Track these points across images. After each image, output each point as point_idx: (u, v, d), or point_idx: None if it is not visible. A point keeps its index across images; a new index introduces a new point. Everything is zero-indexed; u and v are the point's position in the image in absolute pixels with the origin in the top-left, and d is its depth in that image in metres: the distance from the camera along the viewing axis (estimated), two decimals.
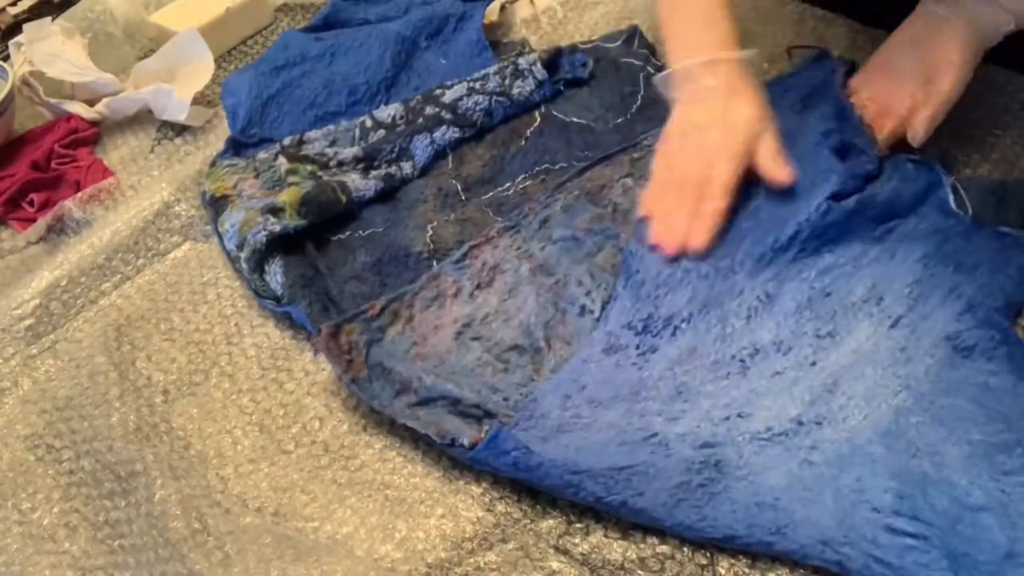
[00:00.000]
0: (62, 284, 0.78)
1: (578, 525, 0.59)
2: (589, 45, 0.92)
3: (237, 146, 0.87)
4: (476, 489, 0.62)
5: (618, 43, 0.92)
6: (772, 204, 0.70)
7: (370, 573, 0.57)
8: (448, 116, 0.84)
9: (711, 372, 0.63)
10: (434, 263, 0.74)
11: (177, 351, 0.73)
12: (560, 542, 0.59)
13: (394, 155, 0.83)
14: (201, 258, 0.80)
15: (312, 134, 0.85)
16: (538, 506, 0.61)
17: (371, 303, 0.69)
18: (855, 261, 0.67)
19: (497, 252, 0.72)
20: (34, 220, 0.85)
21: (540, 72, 0.87)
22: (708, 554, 0.57)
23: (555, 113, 0.86)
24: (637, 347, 0.65)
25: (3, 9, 1.12)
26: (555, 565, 0.57)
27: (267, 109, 0.89)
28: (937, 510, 0.54)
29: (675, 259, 0.68)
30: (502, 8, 0.99)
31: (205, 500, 0.63)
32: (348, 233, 0.78)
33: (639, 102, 0.85)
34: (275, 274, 0.73)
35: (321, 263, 0.75)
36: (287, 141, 0.84)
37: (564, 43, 0.92)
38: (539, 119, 0.86)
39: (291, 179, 0.80)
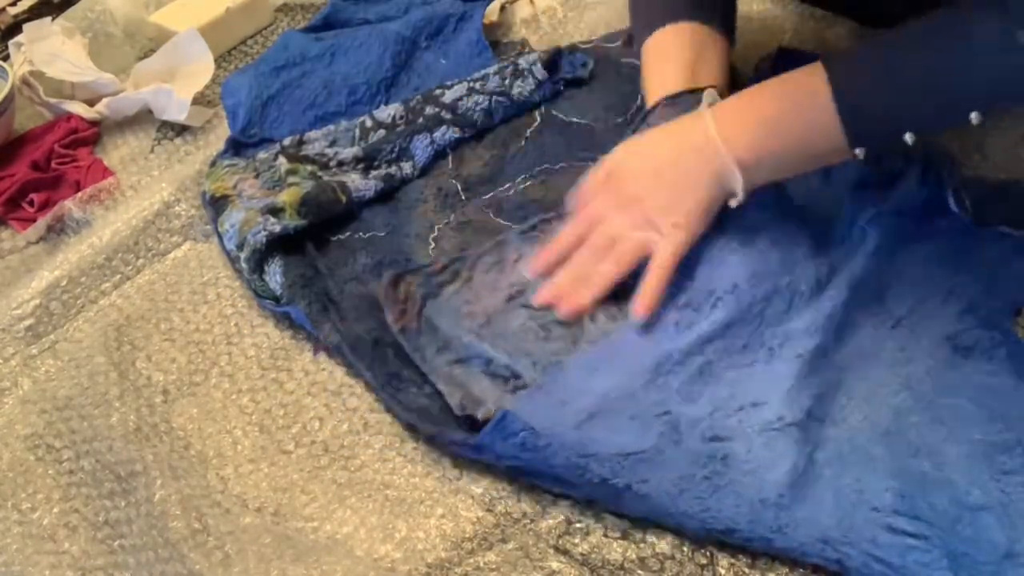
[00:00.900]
0: (62, 284, 0.79)
1: (578, 525, 0.59)
2: (589, 45, 0.92)
3: (237, 146, 0.87)
4: (476, 489, 0.62)
5: (618, 43, 0.92)
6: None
7: (370, 573, 0.58)
8: (448, 116, 0.84)
9: (739, 356, 0.63)
10: None
11: (177, 351, 0.73)
12: (560, 542, 0.59)
13: (394, 155, 0.83)
14: (201, 258, 0.80)
15: (312, 134, 0.85)
16: (538, 506, 0.61)
17: (436, 259, 0.71)
18: (856, 261, 0.67)
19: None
20: (34, 220, 0.85)
21: (540, 72, 0.87)
22: (708, 554, 0.57)
23: (555, 113, 0.86)
24: (676, 323, 0.64)
25: (3, 9, 1.12)
26: (555, 565, 0.57)
27: (267, 109, 0.89)
28: (937, 510, 0.54)
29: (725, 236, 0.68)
30: (502, 8, 0.99)
31: (205, 500, 0.63)
32: (348, 234, 0.78)
33: (639, 102, 0.85)
34: (275, 274, 0.73)
35: (321, 263, 0.75)
36: (287, 141, 0.84)
37: (564, 43, 0.92)
38: (539, 119, 0.86)
39: (291, 179, 0.80)
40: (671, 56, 0.74)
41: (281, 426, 0.67)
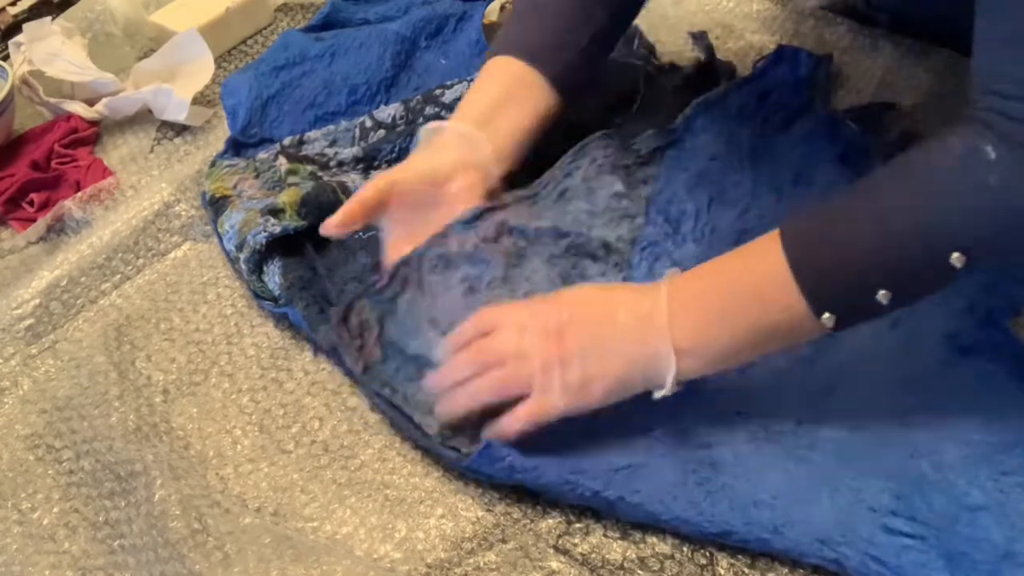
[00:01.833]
0: (62, 284, 0.78)
1: (578, 525, 0.59)
2: None
3: (237, 146, 0.87)
4: (476, 489, 0.62)
5: (618, 43, 0.92)
6: None
7: (370, 573, 0.58)
8: (448, 116, 0.84)
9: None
10: None
11: (177, 351, 0.73)
12: (560, 542, 0.59)
13: (394, 155, 0.83)
14: (201, 258, 0.80)
15: (312, 134, 0.85)
16: (538, 506, 0.61)
17: (378, 275, 0.69)
18: None
19: (507, 213, 0.70)
20: (34, 220, 0.85)
21: None
22: (708, 554, 0.57)
23: (570, 97, 0.86)
24: None
25: (3, 9, 1.12)
26: (555, 565, 0.57)
27: (267, 109, 0.89)
28: (935, 510, 0.54)
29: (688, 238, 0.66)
30: (502, 8, 0.99)
31: (205, 500, 0.63)
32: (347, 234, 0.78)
33: (639, 102, 0.85)
34: (273, 275, 0.73)
35: (320, 265, 0.75)
36: (287, 141, 0.84)
37: None
38: None
39: (291, 179, 0.80)
40: (489, 85, 0.74)
41: (281, 426, 0.67)
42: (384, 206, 0.69)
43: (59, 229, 0.85)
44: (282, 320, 0.74)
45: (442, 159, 0.70)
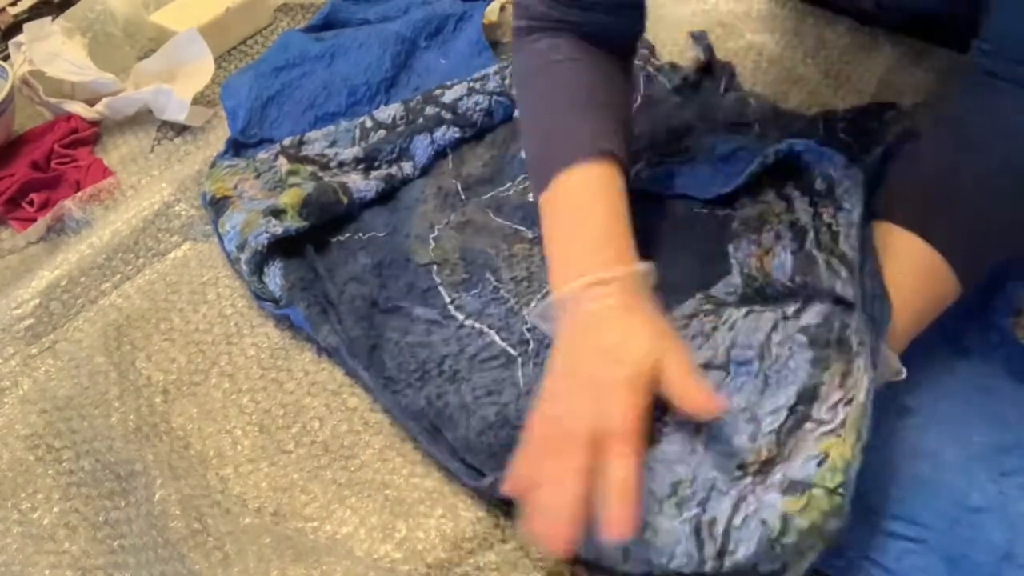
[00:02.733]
0: (62, 284, 0.79)
1: None
2: None
3: (237, 147, 0.87)
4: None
5: None
6: None
7: (370, 573, 0.58)
8: (448, 116, 0.84)
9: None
10: (434, 268, 0.73)
11: (177, 351, 0.73)
12: None
13: (394, 155, 0.83)
14: (201, 258, 0.80)
15: (312, 135, 0.85)
16: None
17: None
18: None
19: None
20: (34, 220, 0.85)
21: None
22: None
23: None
24: None
25: (3, 9, 1.12)
26: (555, 565, 0.57)
27: (267, 110, 0.89)
28: (935, 512, 0.54)
29: None
30: (502, 8, 0.99)
31: (205, 500, 0.63)
32: (348, 235, 0.78)
33: (639, 102, 0.85)
34: (274, 276, 0.73)
35: (320, 265, 0.75)
36: (287, 142, 0.84)
37: None
38: None
39: (292, 180, 0.80)
40: (599, 207, 0.63)
41: (281, 426, 0.67)
42: None
43: (59, 229, 0.85)
44: (282, 320, 0.74)
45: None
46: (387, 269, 0.74)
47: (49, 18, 0.98)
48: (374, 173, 0.81)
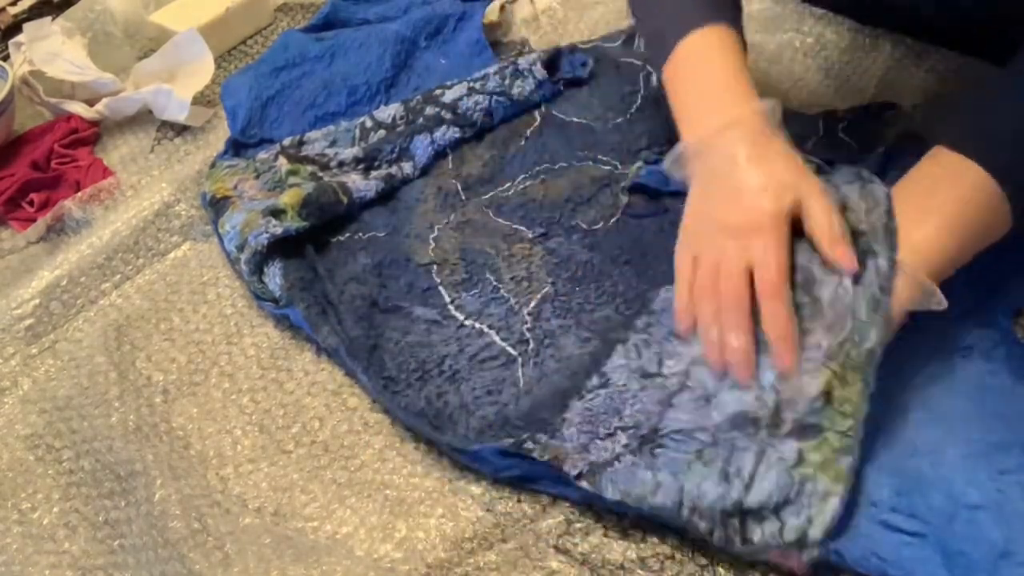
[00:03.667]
0: (62, 284, 0.79)
1: (578, 525, 0.59)
2: (589, 45, 0.92)
3: (237, 147, 0.87)
4: (476, 489, 0.62)
5: (618, 43, 0.92)
6: None
7: (370, 573, 0.58)
8: (448, 116, 0.84)
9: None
10: (434, 268, 0.74)
11: (177, 351, 0.73)
12: (560, 542, 0.59)
13: (394, 155, 0.83)
14: (201, 258, 0.80)
15: (312, 135, 0.85)
16: (538, 506, 0.61)
17: None
18: None
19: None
20: (34, 220, 0.85)
21: (540, 72, 0.87)
22: (708, 554, 0.57)
23: (555, 113, 0.86)
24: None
25: (3, 9, 1.12)
26: (555, 565, 0.57)
27: (267, 110, 0.89)
28: (934, 508, 0.55)
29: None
30: (502, 8, 0.99)
31: (205, 500, 0.63)
32: (348, 235, 0.78)
33: (639, 102, 0.85)
34: (274, 276, 0.73)
35: (320, 265, 0.75)
36: (287, 142, 0.84)
37: (564, 43, 0.92)
38: (539, 119, 0.86)
39: (292, 180, 0.80)
40: (725, 61, 0.64)
41: (281, 426, 0.67)
42: None
43: (59, 229, 0.85)
44: (282, 320, 0.74)
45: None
46: (387, 269, 0.74)
47: (49, 18, 0.98)
48: (374, 173, 0.81)
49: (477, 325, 0.69)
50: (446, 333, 0.69)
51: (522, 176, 0.81)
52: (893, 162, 0.73)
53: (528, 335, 0.68)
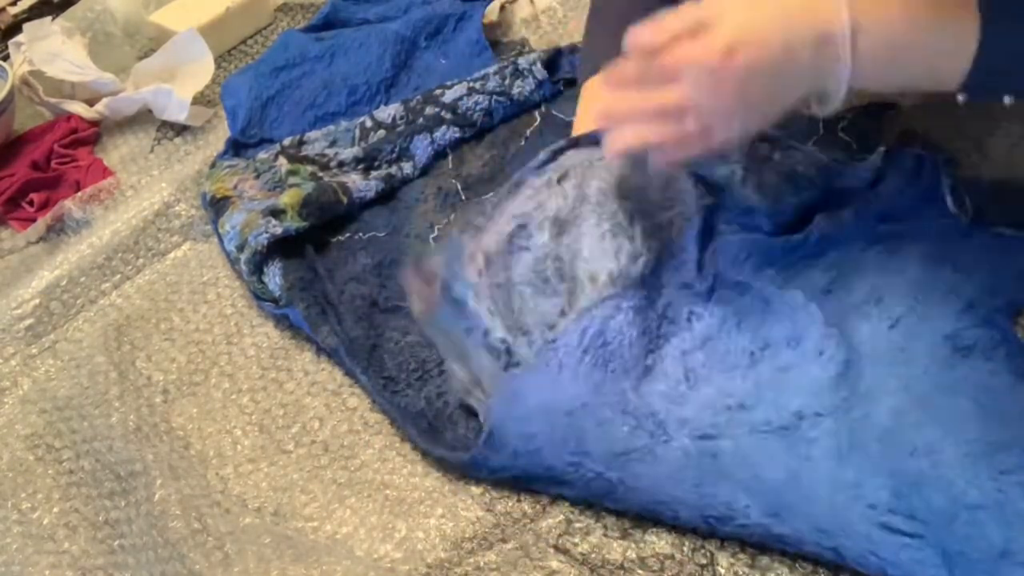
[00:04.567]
0: (62, 284, 0.79)
1: (578, 525, 0.59)
2: None
3: (237, 147, 0.87)
4: (476, 489, 0.62)
5: None
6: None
7: (370, 573, 0.58)
8: (448, 116, 0.84)
9: (720, 362, 0.63)
10: None
11: (177, 351, 0.73)
12: (560, 542, 0.59)
13: (394, 155, 0.83)
14: (201, 258, 0.80)
15: (312, 134, 0.85)
16: (538, 506, 0.61)
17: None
18: (855, 261, 0.67)
19: (579, 156, 0.69)
20: (34, 220, 0.85)
21: (540, 72, 0.87)
22: (708, 554, 0.57)
23: (555, 113, 0.86)
24: (659, 327, 0.65)
25: (3, 9, 1.12)
26: (555, 565, 0.57)
27: (267, 110, 0.89)
28: (933, 508, 0.54)
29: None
30: (502, 8, 0.99)
31: (205, 500, 0.63)
32: (348, 235, 0.78)
33: None
34: (274, 276, 0.73)
35: (320, 265, 0.75)
36: (287, 142, 0.84)
37: (564, 43, 0.92)
38: (539, 119, 0.86)
39: (292, 180, 0.80)
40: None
41: (281, 426, 0.67)
42: None
43: (59, 229, 0.85)
44: (282, 320, 0.74)
45: None
46: (387, 269, 0.74)
47: (49, 18, 0.98)
48: (374, 173, 0.81)
49: None
50: None
51: None
52: (893, 162, 0.73)
53: None
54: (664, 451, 0.59)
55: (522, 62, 0.87)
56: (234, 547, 0.60)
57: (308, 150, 0.84)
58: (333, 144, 0.84)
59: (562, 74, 0.89)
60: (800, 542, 0.55)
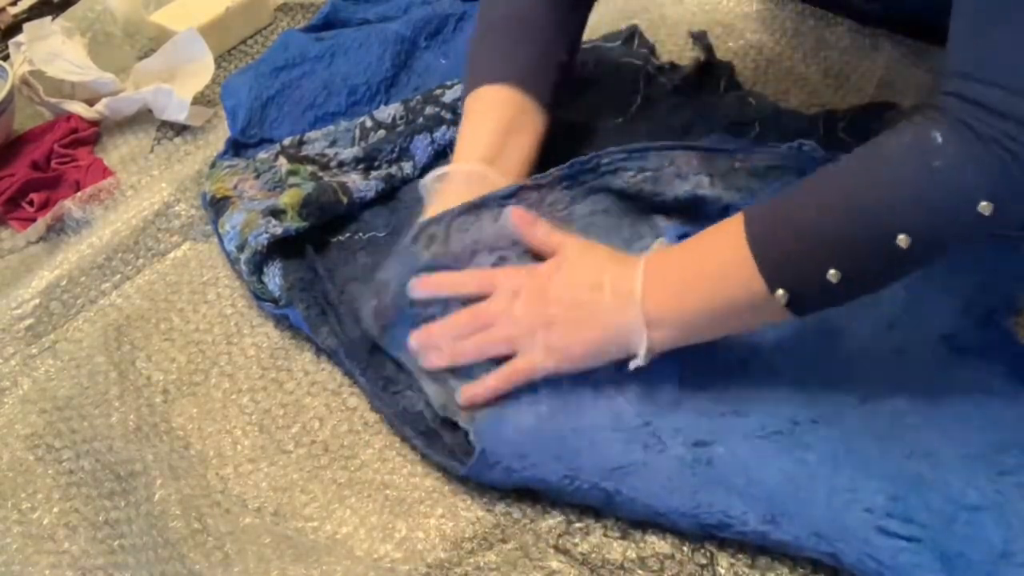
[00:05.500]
0: (62, 284, 0.79)
1: (578, 525, 0.59)
2: (589, 45, 0.92)
3: (237, 147, 0.87)
4: (476, 489, 0.62)
5: (618, 43, 0.92)
6: None
7: (370, 573, 0.58)
8: (448, 116, 0.84)
9: (711, 368, 0.63)
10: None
11: (177, 351, 0.73)
12: (560, 542, 0.59)
13: (394, 155, 0.83)
14: (201, 258, 0.80)
15: (312, 134, 0.85)
16: (538, 506, 0.61)
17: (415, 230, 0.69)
18: None
19: (543, 200, 0.71)
20: (34, 220, 0.85)
21: None
22: (708, 554, 0.57)
23: (555, 113, 0.86)
24: None
25: (3, 9, 1.12)
26: (555, 565, 0.57)
27: (267, 110, 0.89)
28: (932, 510, 0.54)
29: None
30: None
31: (205, 500, 0.63)
32: (348, 235, 0.78)
33: (639, 102, 0.85)
34: (274, 276, 0.73)
35: (320, 265, 0.75)
36: (287, 142, 0.84)
37: None
38: None
39: (292, 180, 0.80)
40: (488, 119, 0.73)
41: (281, 426, 0.67)
42: None
43: (59, 229, 0.85)
44: (282, 320, 0.74)
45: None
46: None
47: (49, 18, 0.98)
48: (374, 173, 0.81)
49: None
50: None
51: None
52: None
53: None
54: (659, 461, 0.59)
55: None
56: (234, 547, 0.60)
57: (308, 150, 0.84)
58: (333, 144, 0.84)
59: None
60: (799, 548, 0.55)
